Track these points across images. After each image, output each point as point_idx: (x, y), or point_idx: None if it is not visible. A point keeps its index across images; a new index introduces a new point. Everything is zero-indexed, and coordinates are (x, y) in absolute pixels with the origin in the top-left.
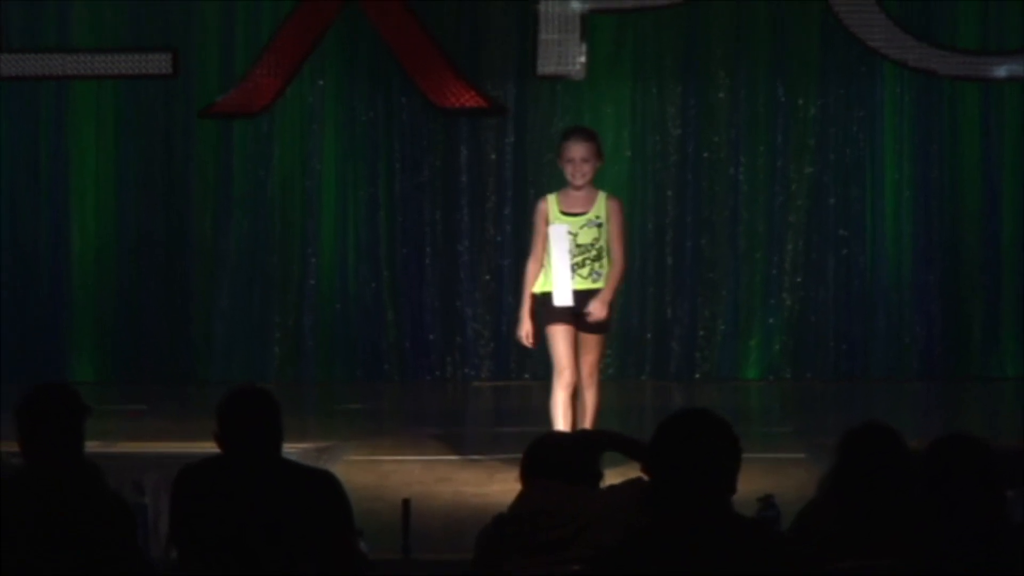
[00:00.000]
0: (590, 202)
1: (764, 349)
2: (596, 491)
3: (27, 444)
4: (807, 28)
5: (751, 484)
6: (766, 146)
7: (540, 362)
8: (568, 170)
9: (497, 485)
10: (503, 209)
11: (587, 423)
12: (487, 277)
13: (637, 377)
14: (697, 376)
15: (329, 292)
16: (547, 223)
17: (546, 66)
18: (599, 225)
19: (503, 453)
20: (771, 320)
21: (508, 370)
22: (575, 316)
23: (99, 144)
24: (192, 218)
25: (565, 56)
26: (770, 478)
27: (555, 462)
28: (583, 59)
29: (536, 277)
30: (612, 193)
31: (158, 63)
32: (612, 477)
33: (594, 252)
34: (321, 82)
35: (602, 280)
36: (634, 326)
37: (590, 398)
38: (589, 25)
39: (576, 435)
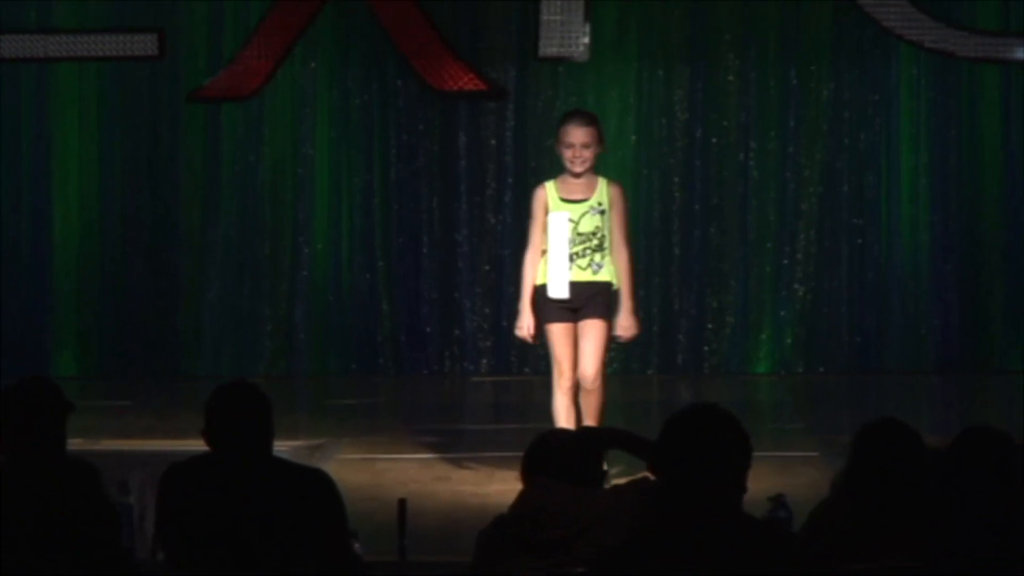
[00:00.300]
0: (591, 188)
1: (775, 342)
2: (600, 491)
3: (6, 441)
4: (819, 8)
5: (762, 483)
6: (777, 131)
7: (541, 357)
8: (567, 156)
9: (497, 484)
10: (503, 197)
11: (591, 421)
12: (486, 267)
13: (643, 371)
14: (705, 370)
15: (322, 282)
16: (547, 211)
17: (548, 47)
18: (602, 212)
19: (503, 451)
20: (782, 312)
21: (508, 364)
22: (573, 311)
23: (82, 129)
24: (179, 206)
25: (568, 37)
26: (781, 477)
27: (557, 462)
28: (587, 40)
29: (535, 268)
30: (613, 178)
31: (144, 44)
32: (617, 480)
33: (595, 241)
34: (313, 64)
35: (602, 273)
36: (639, 319)
37: (595, 401)
38: (593, 5)
39: (579, 433)
